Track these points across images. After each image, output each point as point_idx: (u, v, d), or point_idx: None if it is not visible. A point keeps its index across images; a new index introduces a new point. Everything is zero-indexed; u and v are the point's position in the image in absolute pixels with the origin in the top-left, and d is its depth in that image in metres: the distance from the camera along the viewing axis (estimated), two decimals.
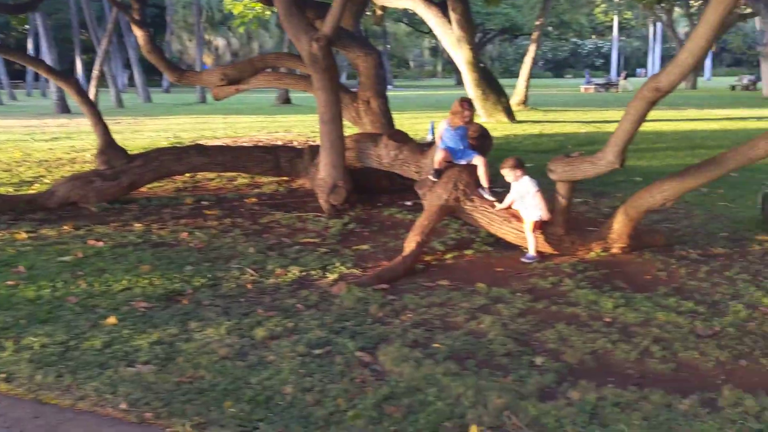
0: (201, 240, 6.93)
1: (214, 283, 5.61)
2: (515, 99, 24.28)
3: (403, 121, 19.69)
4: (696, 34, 4.69)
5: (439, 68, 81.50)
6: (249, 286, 5.57)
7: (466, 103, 6.83)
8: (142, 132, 18.50)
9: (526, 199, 6.12)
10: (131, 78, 41.82)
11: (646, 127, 17.82)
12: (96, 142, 9.27)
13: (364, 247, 6.79)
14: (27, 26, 40.81)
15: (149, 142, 15.77)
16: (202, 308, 5.02)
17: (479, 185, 6.64)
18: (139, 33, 10.84)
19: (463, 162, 6.74)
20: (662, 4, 40.31)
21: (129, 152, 9.33)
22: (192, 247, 6.68)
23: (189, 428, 3.30)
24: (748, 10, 37.98)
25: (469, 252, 6.51)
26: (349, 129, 10.72)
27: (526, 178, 6.17)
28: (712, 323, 4.71)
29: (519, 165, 6.20)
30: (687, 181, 5.82)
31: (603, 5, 53.56)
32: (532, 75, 26.97)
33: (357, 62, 9.98)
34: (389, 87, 50.72)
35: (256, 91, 41.10)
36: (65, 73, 10.88)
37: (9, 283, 5.56)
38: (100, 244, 6.76)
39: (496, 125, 18.86)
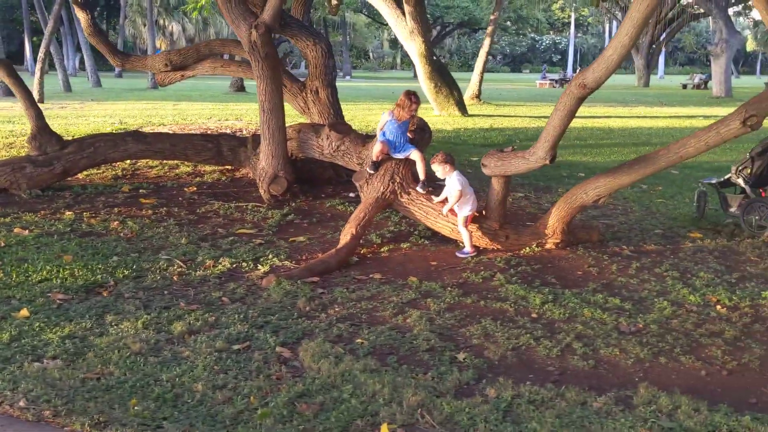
0: (132, 229, 6.74)
1: (138, 274, 5.45)
2: (469, 93, 24.31)
3: (357, 112, 19.60)
4: (620, 31, 4.70)
5: (399, 60, 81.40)
6: (175, 278, 5.43)
7: (414, 96, 6.75)
8: (87, 117, 18.00)
9: (451, 195, 6.08)
10: (82, 61, 40.74)
11: (594, 123, 18.13)
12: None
13: (301, 238, 6.68)
14: None
15: (93, 127, 15.33)
16: (122, 301, 4.87)
17: (417, 179, 6.59)
18: (81, 15, 10.51)
19: (400, 156, 6.67)
20: (608, 2, 40.81)
21: (65, 138, 9.05)
22: (121, 237, 6.49)
23: (87, 427, 3.16)
24: (701, 10, 38.79)
25: (405, 245, 6.46)
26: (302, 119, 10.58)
27: (455, 174, 6.13)
28: (636, 320, 4.73)
29: (448, 160, 6.15)
30: (619, 178, 5.86)
31: (560, 1, 54.08)
32: (489, 69, 27.10)
33: (306, 52, 9.82)
34: (347, 78, 50.49)
35: (210, 78, 40.50)
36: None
37: None
38: (26, 232, 6.52)
39: (448, 118, 18.87)
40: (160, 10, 50.61)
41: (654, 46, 45.64)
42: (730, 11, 38.43)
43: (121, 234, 6.60)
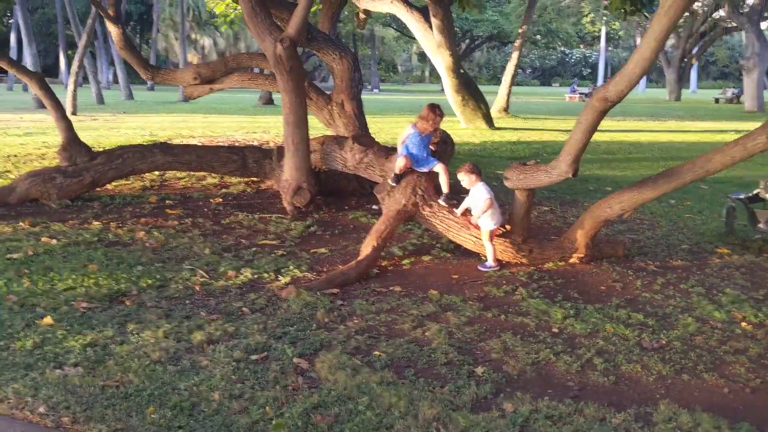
0: (157, 240, 6.81)
1: (161, 284, 5.50)
2: (497, 106, 24.28)
3: (383, 125, 19.67)
4: (642, 45, 4.66)
5: (427, 73, 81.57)
6: (197, 288, 5.47)
7: (438, 109, 6.76)
8: (118, 129, 18.32)
9: (478, 205, 6.06)
10: (116, 75, 41.48)
11: (624, 137, 18.04)
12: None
13: (323, 250, 6.70)
14: (11, 20, 40.50)
15: (124, 139, 15.59)
16: (144, 310, 4.92)
17: (440, 192, 6.58)
18: (113, 30, 10.70)
19: (424, 170, 6.66)
20: (637, 16, 40.52)
21: (95, 149, 9.21)
22: (146, 247, 6.56)
23: None
24: (734, 24, 38.33)
25: (427, 258, 6.44)
26: (327, 131, 10.64)
27: (480, 184, 6.11)
28: (659, 336, 4.66)
29: (474, 170, 6.13)
30: (644, 193, 5.79)
31: (590, 15, 53.84)
32: (518, 83, 27.09)
33: (332, 65, 9.91)
34: (375, 91, 50.70)
35: (239, 91, 40.97)
36: (32, 68, 10.73)
37: None
38: (54, 242, 6.63)
39: (475, 131, 18.85)
40: (192, 24, 51.40)
41: (686, 60, 45.17)
42: (763, 25, 37.91)
43: (147, 244, 6.68)
